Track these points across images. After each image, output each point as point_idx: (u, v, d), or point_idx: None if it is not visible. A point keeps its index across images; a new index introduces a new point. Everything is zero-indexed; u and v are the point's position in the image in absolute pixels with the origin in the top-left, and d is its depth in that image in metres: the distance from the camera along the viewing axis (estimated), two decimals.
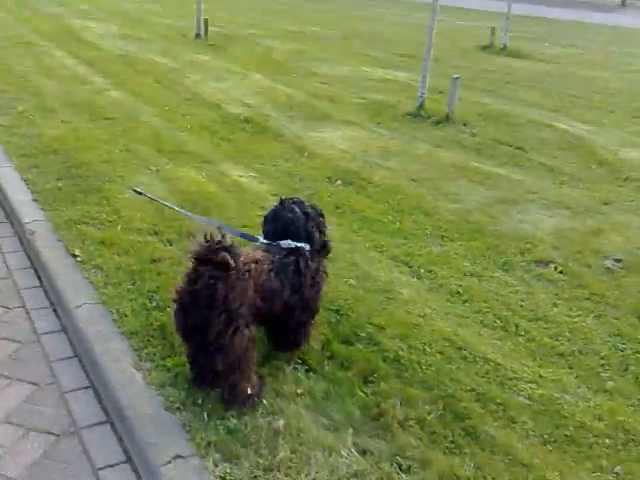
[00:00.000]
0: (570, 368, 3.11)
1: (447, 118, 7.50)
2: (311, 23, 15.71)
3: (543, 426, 2.68)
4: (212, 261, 2.36)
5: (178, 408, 2.66)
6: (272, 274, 2.66)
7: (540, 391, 2.89)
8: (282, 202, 2.96)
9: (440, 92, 8.53)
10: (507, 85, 9.94)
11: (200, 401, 2.69)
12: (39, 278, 3.91)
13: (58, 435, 2.66)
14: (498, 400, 2.80)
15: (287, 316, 2.84)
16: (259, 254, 2.71)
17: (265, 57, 10.94)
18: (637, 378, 3.06)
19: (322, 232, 2.98)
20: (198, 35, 12.52)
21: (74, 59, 9.83)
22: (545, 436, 2.62)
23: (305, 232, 2.87)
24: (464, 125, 7.39)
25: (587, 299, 3.78)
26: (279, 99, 8.13)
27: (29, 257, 4.15)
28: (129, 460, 2.56)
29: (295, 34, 13.88)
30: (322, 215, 3.06)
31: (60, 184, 4.99)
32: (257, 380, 2.74)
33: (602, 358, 3.21)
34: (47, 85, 8.06)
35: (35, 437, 2.64)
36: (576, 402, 2.84)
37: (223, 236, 2.41)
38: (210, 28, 12.65)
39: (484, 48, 13.13)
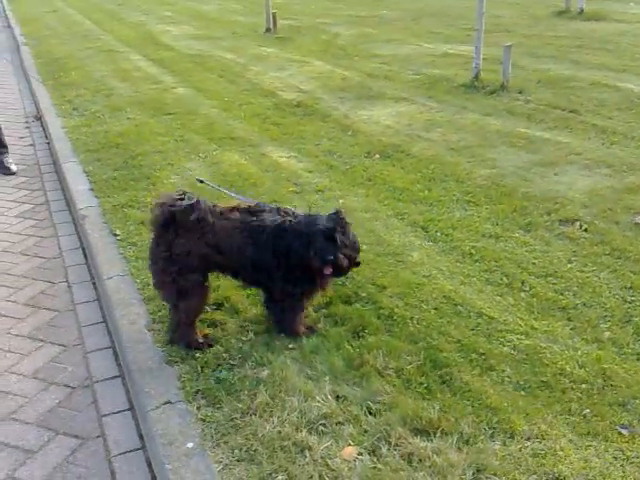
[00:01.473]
0: (569, 320, 3.08)
1: (502, 87, 7.36)
2: (381, 6, 15.65)
3: (521, 374, 2.70)
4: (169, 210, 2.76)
5: (177, 362, 2.91)
6: (237, 231, 2.86)
7: (527, 342, 2.90)
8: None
9: (501, 62, 8.34)
10: (576, 49, 9.53)
11: (198, 355, 2.92)
12: (85, 256, 4.31)
13: (74, 388, 2.99)
14: (481, 350, 2.84)
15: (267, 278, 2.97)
16: (235, 214, 2.91)
17: (329, 44, 11.08)
18: (637, 329, 2.98)
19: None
20: (268, 29, 12.84)
21: (148, 61, 10.40)
22: (520, 383, 2.65)
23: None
24: (519, 93, 7.23)
25: (607, 255, 3.69)
26: (334, 82, 8.27)
27: (80, 239, 4.57)
28: (131, 408, 2.84)
29: (363, 19, 13.91)
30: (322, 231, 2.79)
31: (116, 174, 5.41)
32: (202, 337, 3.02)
33: (606, 310, 3.15)
34: (120, 87, 8.62)
35: (54, 390, 2.98)
36: (562, 351, 2.83)
37: (183, 193, 2.78)
38: (281, 21, 12.96)
39: (559, 14, 12.61)
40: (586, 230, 4.00)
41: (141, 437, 2.67)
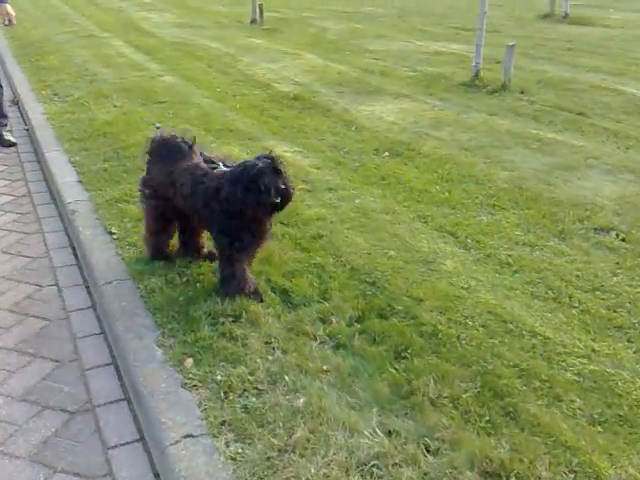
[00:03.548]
0: (629, 342, 2.79)
1: (503, 87, 7.12)
2: (366, 3, 15.35)
3: (593, 405, 2.39)
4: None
5: (195, 386, 2.52)
6: (187, 172, 3.03)
7: (592, 367, 2.59)
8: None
9: (498, 62, 8.09)
10: (568, 52, 9.38)
11: (219, 378, 2.54)
12: (76, 256, 3.88)
13: (73, 413, 2.57)
14: (543, 377, 2.52)
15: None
16: (199, 159, 3.14)
17: (319, 37, 10.73)
18: None
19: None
20: (254, 20, 12.43)
21: (131, 47, 9.91)
22: (595, 416, 2.33)
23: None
24: (521, 93, 7.00)
25: None
26: (330, 76, 7.92)
27: (68, 236, 4.13)
28: (142, 439, 2.44)
29: (350, 14, 13.61)
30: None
31: (106, 165, 4.96)
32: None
33: None
34: (103, 73, 8.12)
35: (49, 415, 2.55)
36: (633, 378, 2.53)
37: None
38: (266, 13, 12.54)
39: (544, 17, 12.56)
40: (623, 240, 3.74)
41: (156, 475, 2.28)
